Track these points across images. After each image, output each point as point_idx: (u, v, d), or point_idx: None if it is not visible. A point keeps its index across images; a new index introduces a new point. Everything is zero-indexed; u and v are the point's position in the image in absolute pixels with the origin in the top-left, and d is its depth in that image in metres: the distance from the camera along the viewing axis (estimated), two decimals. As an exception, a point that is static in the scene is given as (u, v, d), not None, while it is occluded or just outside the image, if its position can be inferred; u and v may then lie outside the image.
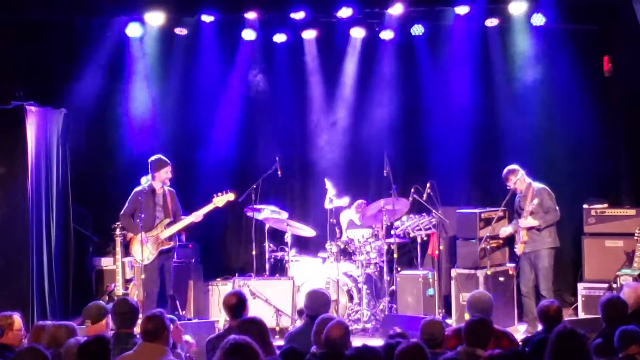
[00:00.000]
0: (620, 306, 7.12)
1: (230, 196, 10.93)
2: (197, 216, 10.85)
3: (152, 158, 10.77)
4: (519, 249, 10.80)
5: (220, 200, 10.88)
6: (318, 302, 7.71)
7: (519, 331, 10.69)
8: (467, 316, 7.71)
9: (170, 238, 10.78)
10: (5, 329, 7.25)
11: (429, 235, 11.56)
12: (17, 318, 7.37)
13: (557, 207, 10.79)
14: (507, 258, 11.27)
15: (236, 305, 7.63)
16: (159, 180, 10.73)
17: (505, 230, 10.97)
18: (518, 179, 10.75)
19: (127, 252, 11.13)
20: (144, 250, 10.49)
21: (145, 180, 10.65)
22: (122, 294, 11.22)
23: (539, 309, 7.45)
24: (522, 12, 11.65)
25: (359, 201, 11.98)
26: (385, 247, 11.24)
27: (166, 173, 10.73)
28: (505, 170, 10.85)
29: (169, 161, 10.78)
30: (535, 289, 10.85)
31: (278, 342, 9.58)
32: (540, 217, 10.65)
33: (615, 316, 6.90)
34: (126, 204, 10.75)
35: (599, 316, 7.28)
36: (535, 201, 10.60)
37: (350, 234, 11.67)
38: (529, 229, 10.68)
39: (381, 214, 11.20)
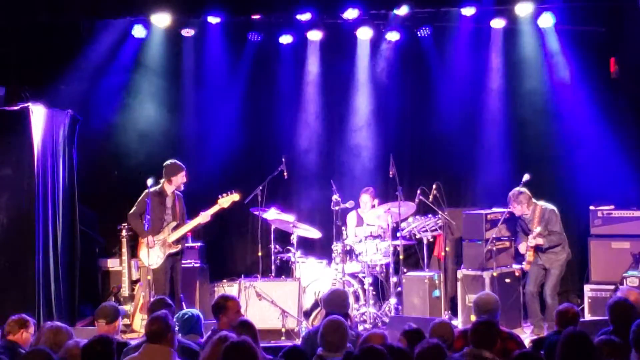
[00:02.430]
0: (628, 308, 7.11)
1: (235, 196, 10.95)
2: (204, 217, 10.89)
3: (168, 162, 10.83)
4: (525, 267, 10.83)
5: (226, 201, 10.91)
6: (337, 302, 7.78)
7: (525, 333, 10.68)
8: (473, 317, 7.72)
9: (177, 241, 10.81)
10: (21, 328, 7.47)
11: (435, 237, 11.56)
12: (31, 321, 7.61)
13: (562, 232, 10.89)
14: (514, 259, 11.26)
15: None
16: (174, 184, 10.79)
17: (521, 247, 10.96)
18: (521, 203, 10.74)
19: (134, 253, 11.16)
20: (151, 254, 10.52)
21: (150, 182, 10.65)
22: (129, 295, 11.26)
23: (557, 311, 7.46)
24: (528, 13, 11.62)
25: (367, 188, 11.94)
26: (392, 248, 11.23)
27: (182, 178, 10.80)
28: (509, 195, 10.82)
29: (183, 166, 10.82)
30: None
31: (284, 343, 9.63)
32: (544, 237, 10.71)
33: (622, 319, 6.88)
34: (135, 205, 10.80)
35: (606, 318, 7.27)
36: (538, 229, 10.63)
37: (358, 232, 11.65)
38: (537, 249, 10.71)
39: (387, 215, 11.21)
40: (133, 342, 7.26)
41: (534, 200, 10.85)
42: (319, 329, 7.21)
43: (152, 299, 8.59)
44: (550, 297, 10.74)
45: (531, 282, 10.91)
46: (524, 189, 10.76)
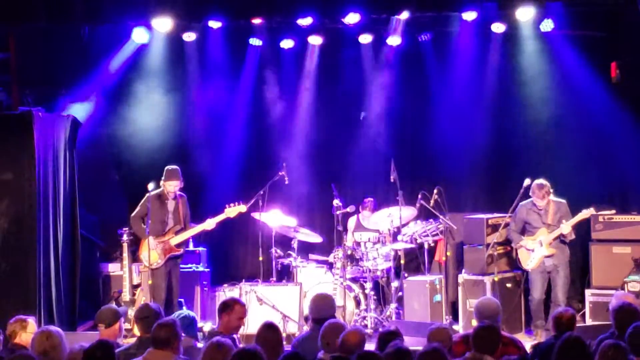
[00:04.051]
0: (633, 313, 7.09)
1: (242, 208, 11.00)
2: (209, 224, 10.92)
3: (169, 167, 10.84)
4: (534, 263, 10.73)
5: (233, 211, 10.96)
6: (323, 306, 7.73)
7: (526, 338, 10.65)
8: (474, 322, 7.71)
9: (179, 245, 10.83)
10: (19, 331, 7.40)
11: (436, 241, 11.54)
12: (32, 321, 7.56)
13: None
14: (515, 264, 11.24)
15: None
16: (165, 189, 10.81)
17: (529, 243, 10.86)
18: (548, 194, 10.71)
19: (135, 258, 11.18)
20: (152, 255, 10.55)
21: (151, 187, 10.67)
22: (129, 300, 11.26)
23: (553, 316, 7.43)
24: (529, 18, 11.62)
25: (368, 200, 11.92)
26: (393, 253, 11.22)
27: (171, 186, 10.79)
28: (537, 187, 10.71)
29: (181, 177, 10.82)
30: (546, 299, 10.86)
31: (285, 348, 9.58)
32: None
33: (627, 323, 6.85)
34: (137, 207, 10.83)
35: (607, 322, 7.26)
36: (570, 222, 10.64)
37: (357, 237, 11.65)
38: (553, 240, 10.67)
39: (388, 220, 11.21)
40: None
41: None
42: (309, 335, 7.23)
43: (140, 305, 8.60)
44: (564, 303, 10.64)
45: (538, 289, 10.79)
46: (543, 182, 10.72)
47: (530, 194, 10.77)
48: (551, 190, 10.75)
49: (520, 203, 10.88)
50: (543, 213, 10.79)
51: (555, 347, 5.99)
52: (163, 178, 10.84)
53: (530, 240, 10.81)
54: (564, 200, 10.87)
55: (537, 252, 10.72)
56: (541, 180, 10.75)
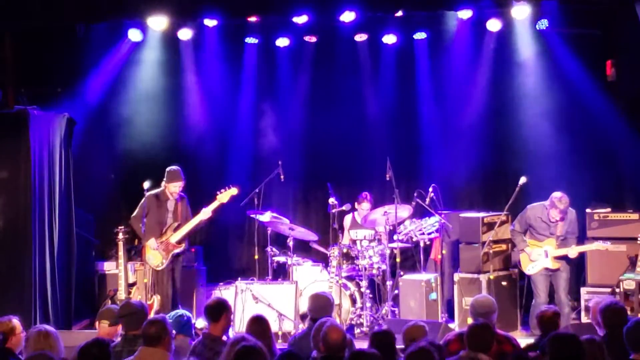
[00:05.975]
0: (620, 312, 7.11)
1: (233, 191, 10.96)
2: (205, 213, 10.88)
3: (170, 167, 10.84)
4: (535, 270, 10.61)
5: (225, 195, 10.92)
6: (320, 305, 7.75)
7: (522, 336, 10.65)
8: (470, 320, 7.72)
9: (179, 242, 10.83)
10: (8, 335, 7.34)
11: (431, 240, 11.55)
12: (16, 322, 7.47)
13: None
14: (510, 262, 11.25)
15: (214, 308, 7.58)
16: (167, 190, 10.81)
17: (533, 253, 10.63)
18: (566, 208, 10.53)
19: (130, 257, 11.17)
20: (156, 256, 10.61)
21: (147, 185, 10.67)
22: (125, 298, 11.26)
23: (537, 316, 7.45)
24: (525, 16, 11.63)
25: (364, 194, 11.92)
26: (388, 251, 11.22)
27: (174, 187, 10.80)
28: (565, 199, 10.43)
29: (183, 177, 10.82)
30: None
31: (280, 346, 9.61)
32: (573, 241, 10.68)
33: (616, 323, 6.87)
34: (137, 208, 10.83)
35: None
36: (579, 249, 10.59)
37: (352, 235, 11.65)
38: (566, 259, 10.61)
39: (384, 218, 11.21)
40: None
41: None
42: (305, 334, 7.24)
43: (121, 302, 8.61)
44: (568, 304, 10.58)
45: (542, 291, 10.59)
46: (565, 195, 10.49)
47: (547, 205, 10.52)
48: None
49: (530, 205, 10.73)
50: (553, 224, 10.62)
51: (548, 343, 6.00)
52: (165, 179, 10.84)
53: (536, 249, 10.62)
54: (573, 210, 10.70)
55: (540, 261, 10.60)
56: (561, 194, 10.45)
